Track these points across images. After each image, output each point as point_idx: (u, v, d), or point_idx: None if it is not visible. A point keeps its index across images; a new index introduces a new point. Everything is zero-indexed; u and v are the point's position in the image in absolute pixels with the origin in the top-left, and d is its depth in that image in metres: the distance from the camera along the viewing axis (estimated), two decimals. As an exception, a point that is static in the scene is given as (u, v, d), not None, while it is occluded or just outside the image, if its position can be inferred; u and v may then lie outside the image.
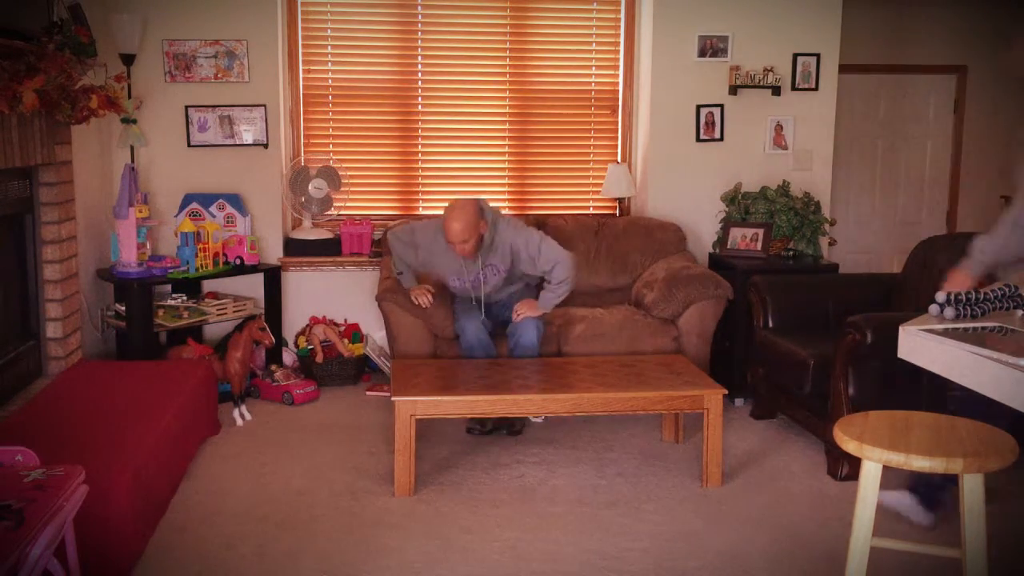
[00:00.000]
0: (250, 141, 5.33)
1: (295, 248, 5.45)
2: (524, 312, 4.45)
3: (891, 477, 3.04)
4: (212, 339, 5.30)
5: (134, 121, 5.12)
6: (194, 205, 5.23)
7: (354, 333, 5.42)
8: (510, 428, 4.39)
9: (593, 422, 4.58)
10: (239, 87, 5.29)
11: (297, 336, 5.42)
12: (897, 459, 2.26)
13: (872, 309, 4.31)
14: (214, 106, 5.27)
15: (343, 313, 5.51)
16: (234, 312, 5.13)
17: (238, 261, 5.16)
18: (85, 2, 4.54)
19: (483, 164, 5.78)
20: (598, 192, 5.81)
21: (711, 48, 5.56)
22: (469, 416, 3.93)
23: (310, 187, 5.38)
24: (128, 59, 5.05)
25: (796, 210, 5.38)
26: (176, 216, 5.23)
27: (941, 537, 3.27)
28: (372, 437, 4.38)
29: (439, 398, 3.72)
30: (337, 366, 5.25)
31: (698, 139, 5.63)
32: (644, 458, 4.15)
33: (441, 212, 4.47)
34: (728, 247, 5.34)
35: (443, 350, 4.62)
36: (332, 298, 5.51)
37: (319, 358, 5.21)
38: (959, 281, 3.33)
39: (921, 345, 2.29)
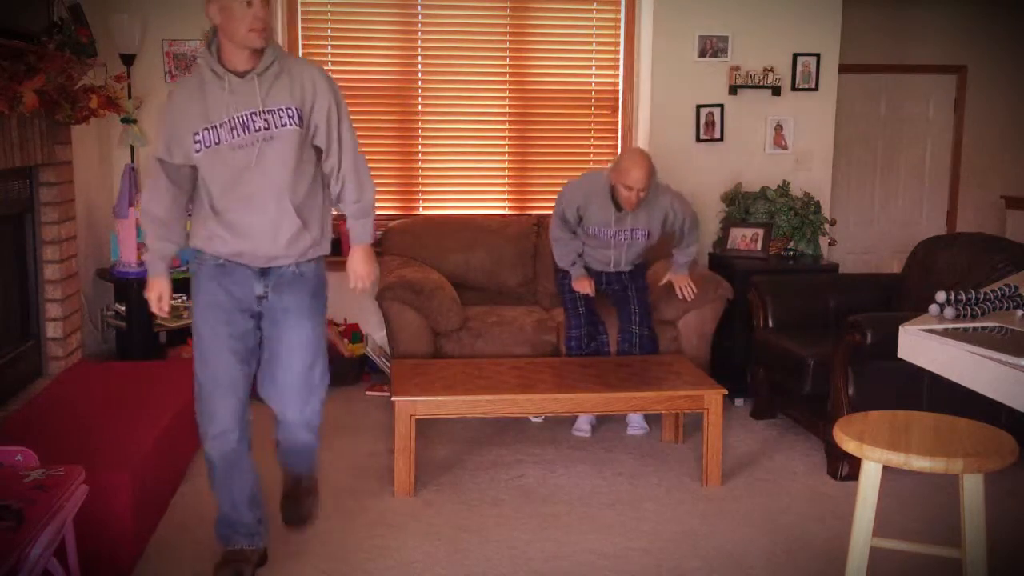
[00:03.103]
0: (250, 141, 5.33)
1: (295, 248, 5.44)
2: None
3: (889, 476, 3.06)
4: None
5: (134, 121, 5.12)
6: (194, 205, 5.22)
7: (354, 333, 5.42)
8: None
9: (595, 422, 4.58)
10: (239, 87, 5.28)
11: (297, 336, 5.40)
12: (897, 459, 2.26)
13: (872, 309, 4.31)
14: (214, 106, 5.27)
15: (343, 313, 5.51)
16: (234, 312, 5.13)
17: (238, 261, 5.15)
18: (85, 2, 4.54)
19: (483, 164, 5.78)
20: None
21: (711, 48, 5.56)
22: (469, 416, 3.93)
23: (310, 187, 5.37)
24: (128, 59, 5.05)
25: (796, 210, 5.38)
26: (176, 216, 5.22)
27: (941, 537, 3.27)
28: (372, 437, 4.38)
29: (439, 398, 3.72)
30: (337, 366, 5.24)
31: (698, 139, 5.63)
32: (644, 458, 4.15)
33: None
34: (728, 247, 5.34)
35: (444, 349, 4.62)
36: (332, 298, 5.46)
37: (319, 358, 5.20)
38: (584, 284, 4.47)
39: (921, 345, 2.28)
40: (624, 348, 4.48)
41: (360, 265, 3.10)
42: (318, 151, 2.92)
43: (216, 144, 2.78)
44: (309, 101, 2.84)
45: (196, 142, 2.80)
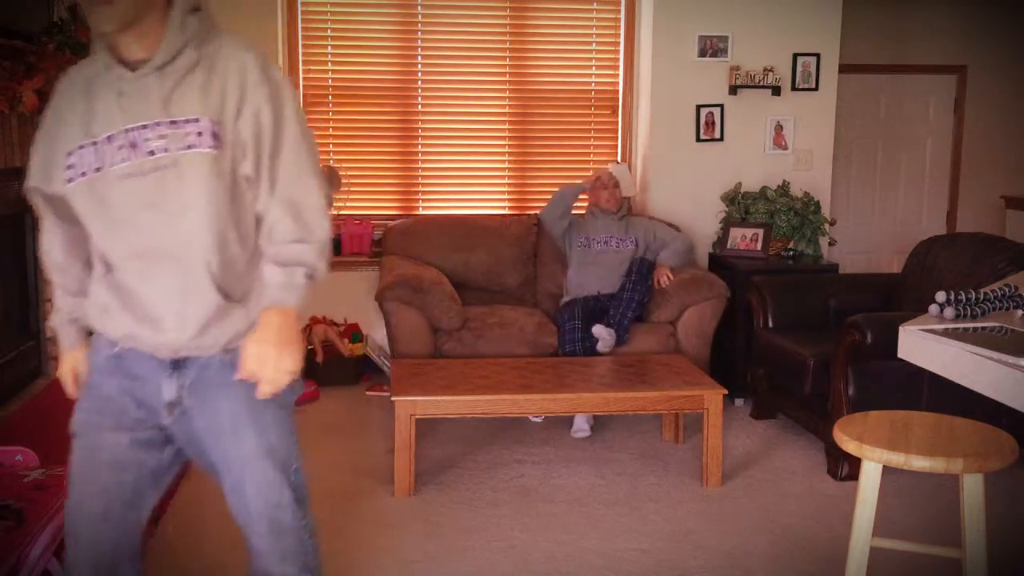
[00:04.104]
0: (250, 141, 5.32)
1: (295, 248, 5.44)
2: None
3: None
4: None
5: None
6: (194, 205, 5.22)
7: (354, 333, 5.42)
8: None
9: (593, 422, 4.58)
10: (239, 87, 5.27)
11: (297, 336, 5.40)
12: (897, 459, 2.26)
13: (872, 309, 4.31)
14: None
15: (343, 313, 5.51)
16: (234, 312, 5.13)
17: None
18: (85, 2, 4.53)
19: (483, 164, 5.78)
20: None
21: (711, 48, 5.56)
22: (469, 416, 3.93)
23: (310, 187, 5.37)
24: (128, 59, 5.04)
25: (796, 210, 5.38)
26: (176, 216, 5.21)
27: (941, 537, 3.27)
28: (372, 437, 4.38)
29: (439, 398, 3.72)
30: (337, 366, 5.25)
31: (698, 139, 5.63)
32: (644, 458, 4.15)
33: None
34: (728, 247, 5.34)
35: (444, 349, 4.62)
36: (332, 298, 5.50)
37: (319, 358, 5.21)
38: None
39: (921, 345, 2.28)
40: (623, 325, 4.60)
41: (261, 349, 1.85)
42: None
43: (96, 171, 1.82)
44: (232, 107, 1.85)
45: (69, 167, 1.85)
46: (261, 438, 1.93)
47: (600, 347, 4.49)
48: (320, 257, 1.95)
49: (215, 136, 1.82)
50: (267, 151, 1.87)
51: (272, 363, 1.83)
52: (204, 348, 1.88)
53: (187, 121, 1.81)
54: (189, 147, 1.81)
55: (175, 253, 1.84)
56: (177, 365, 1.90)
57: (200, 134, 1.81)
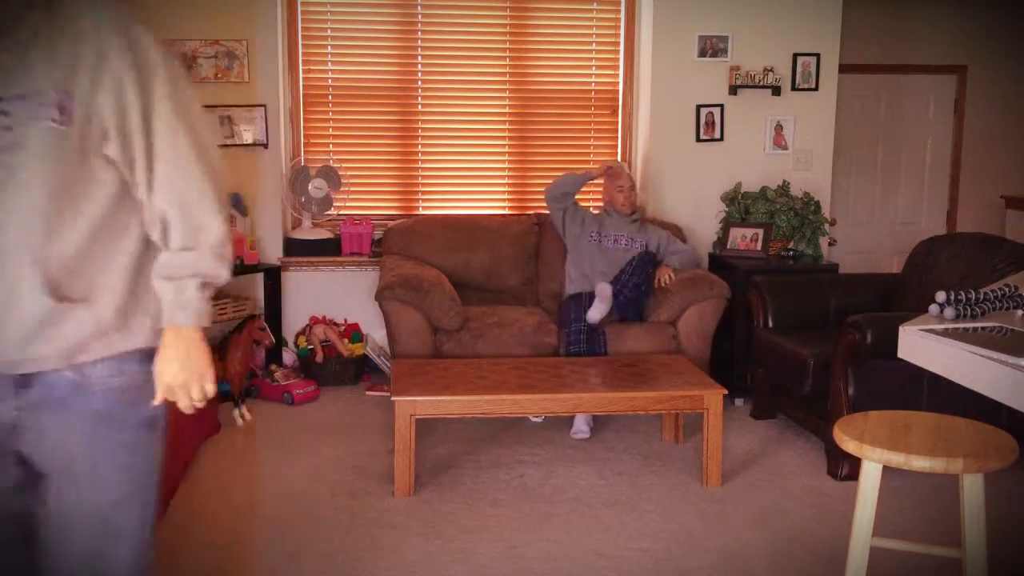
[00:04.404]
0: (250, 141, 5.34)
1: (295, 248, 5.46)
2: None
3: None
4: (212, 339, 5.30)
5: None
6: (194, 205, 5.22)
7: (354, 333, 5.42)
8: None
9: (592, 423, 4.58)
10: (239, 87, 5.29)
11: (297, 336, 5.42)
12: (897, 459, 2.26)
13: (872, 309, 4.31)
14: (214, 106, 5.27)
15: (343, 313, 5.51)
16: (234, 312, 5.14)
17: (238, 261, 5.16)
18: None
19: (483, 164, 5.78)
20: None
21: (711, 48, 5.56)
22: (469, 416, 3.93)
23: (310, 187, 5.38)
24: (128, 59, 5.04)
25: (796, 210, 5.38)
26: (176, 216, 5.22)
27: (941, 537, 3.28)
28: (372, 437, 4.39)
29: (439, 398, 3.72)
30: (337, 366, 5.26)
31: (698, 139, 5.63)
32: (644, 458, 4.15)
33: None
34: (728, 247, 5.35)
35: (443, 349, 4.62)
36: (332, 298, 5.51)
37: (319, 358, 5.21)
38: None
39: (921, 345, 2.28)
40: (618, 300, 4.63)
41: (167, 382, 1.70)
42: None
43: None
44: (87, 76, 1.59)
45: None
46: (97, 492, 1.67)
47: (591, 313, 4.51)
48: (215, 261, 1.70)
49: (61, 109, 1.57)
50: (137, 132, 1.63)
51: (182, 395, 1.69)
52: (43, 360, 1.62)
53: (31, 93, 1.56)
54: (30, 123, 1.56)
55: (3, 246, 1.57)
56: (22, 382, 1.63)
57: (44, 105, 1.56)
